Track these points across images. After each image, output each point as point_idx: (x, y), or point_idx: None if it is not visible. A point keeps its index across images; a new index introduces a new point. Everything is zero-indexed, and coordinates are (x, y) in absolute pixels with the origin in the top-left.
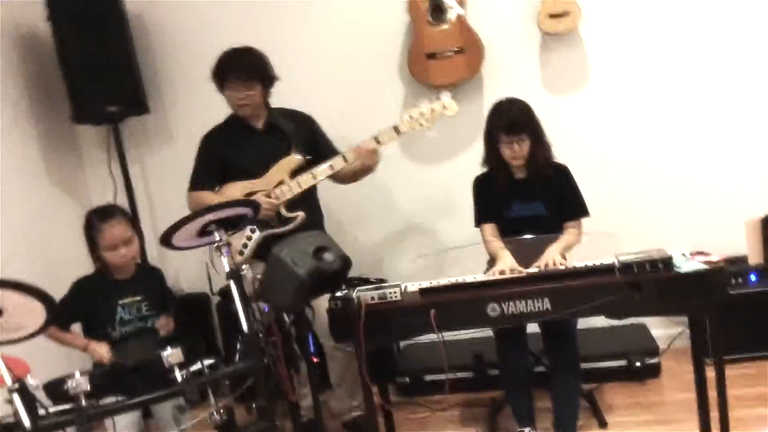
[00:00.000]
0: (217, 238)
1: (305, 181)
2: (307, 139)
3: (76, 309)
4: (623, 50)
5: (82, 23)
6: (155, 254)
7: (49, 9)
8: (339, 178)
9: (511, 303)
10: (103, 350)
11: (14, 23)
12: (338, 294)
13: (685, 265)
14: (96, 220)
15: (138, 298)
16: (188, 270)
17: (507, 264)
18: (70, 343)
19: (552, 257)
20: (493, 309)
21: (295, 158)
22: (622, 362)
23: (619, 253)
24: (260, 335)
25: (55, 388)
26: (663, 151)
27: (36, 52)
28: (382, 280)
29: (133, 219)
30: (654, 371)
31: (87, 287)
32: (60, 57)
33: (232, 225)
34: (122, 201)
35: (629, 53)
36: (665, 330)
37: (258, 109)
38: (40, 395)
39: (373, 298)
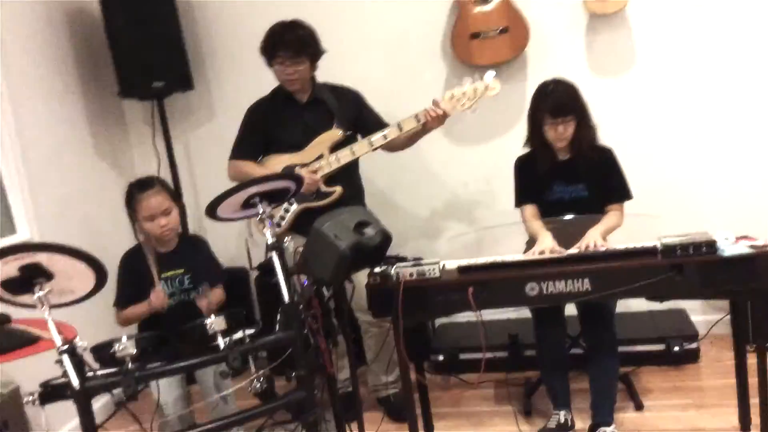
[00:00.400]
0: (261, 211)
1: (345, 156)
2: (351, 114)
3: (129, 286)
4: (670, 32)
5: (130, 0)
6: (196, 229)
7: None
8: (392, 146)
9: (551, 283)
10: (160, 296)
11: (64, 1)
12: (377, 270)
13: (730, 248)
14: (135, 190)
15: (180, 270)
16: (227, 245)
17: (547, 244)
18: (138, 315)
19: (593, 239)
20: (531, 288)
21: (336, 133)
22: (661, 346)
23: (662, 236)
24: (300, 307)
25: (102, 352)
26: (709, 134)
27: (85, 28)
28: (418, 259)
29: (173, 191)
30: (693, 356)
31: (131, 261)
32: (108, 33)
33: (274, 199)
34: (165, 175)
35: (676, 35)
36: (705, 316)
37: (305, 83)
38: (88, 358)
39: (411, 275)
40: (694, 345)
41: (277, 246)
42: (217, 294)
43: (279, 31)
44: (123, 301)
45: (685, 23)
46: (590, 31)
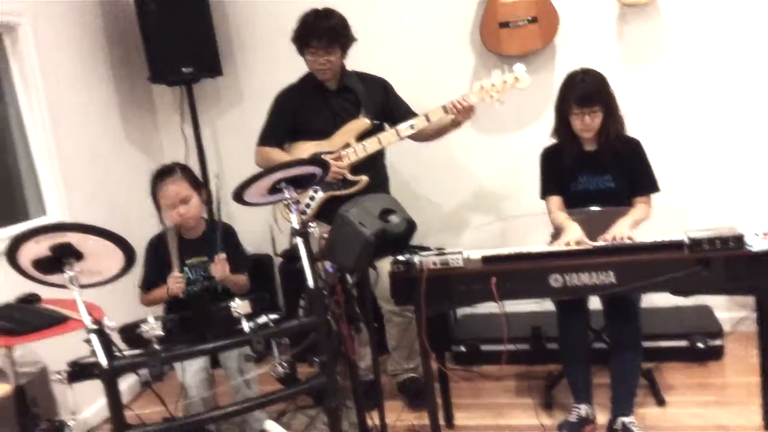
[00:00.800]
0: (287, 196)
1: (371, 145)
2: (379, 103)
3: (153, 269)
4: (702, 22)
5: None
6: (222, 215)
7: None
8: (420, 137)
9: (575, 275)
10: (176, 282)
11: None
12: (401, 258)
13: (758, 244)
14: (156, 178)
15: (204, 258)
16: (253, 232)
17: (575, 235)
18: (159, 298)
19: (621, 231)
20: (555, 280)
21: (363, 121)
22: (685, 342)
23: (688, 230)
24: (324, 293)
25: (130, 332)
26: (739, 127)
27: (117, 13)
28: (442, 249)
29: (195, 178)
30: (716, 353)
31: (156, 246)
32: (140, 19)
33: (300, 184)
34: (193, 161)
35: (708, 25)
36: (730, 312)
37: (336, 72)
38: (115, 338)
39: (435, 264)
40: (718, 342)
41: (303, 231)
42: (241, 280)
43: (312, 21)
44: (147, 283)
45: (718, 13)
46: (621, 21)
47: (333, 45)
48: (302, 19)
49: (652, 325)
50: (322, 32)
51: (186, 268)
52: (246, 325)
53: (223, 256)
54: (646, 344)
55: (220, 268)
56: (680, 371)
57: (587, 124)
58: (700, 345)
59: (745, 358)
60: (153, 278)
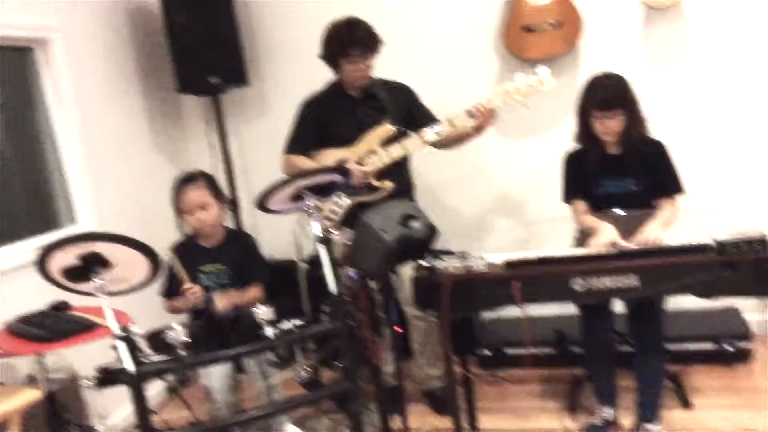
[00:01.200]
0: (309, 204)
1: (395, 151)
2: (404, 110)
3: (171, 278)
4: (726, 24)
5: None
6: (250, 223)
7: None
8: (443, 144)
9: (597, 278)
10: (194, 293)
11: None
12: (423, 263)
13: None
14: (179, 184)
15: (220, 266)
16: (280, 238)
17: (610, 236)
18: (180, 308)
19: (654, 234)
20: (578, 284)
21: (388, 128)
22: (712, 345)
23: (713, 232)
24: (346, 299)
25: (155, 339)
26: (765, 129)
27: (145, 25)
28: (465, 253)
29: (217, 188)
30: (744, 356)
31: (177, 253)
32: (167, 30)
33: (324, 191)
34: (220, 170)
35: (732, 28)
36: (759, 314)
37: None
38: (142, 344)
39: (457, 269)
40: (746, 344)
41: (325, 238)
42: (250, 294)
43: (346, 30)
44: (167, 292)
45: (742, 15)
46: (646, 25)
47: (372, 51)
48: (334, 30)
49: (679, 327)
50: (360, 40)
51: (202, 275)
52: (269, 331)
53: (221, 296)
54: (673, 347)
55: (225, 301)
56: (707, 374)
57: (609, 127)
58: (728, 347)
59: None
60: (171, 287)
